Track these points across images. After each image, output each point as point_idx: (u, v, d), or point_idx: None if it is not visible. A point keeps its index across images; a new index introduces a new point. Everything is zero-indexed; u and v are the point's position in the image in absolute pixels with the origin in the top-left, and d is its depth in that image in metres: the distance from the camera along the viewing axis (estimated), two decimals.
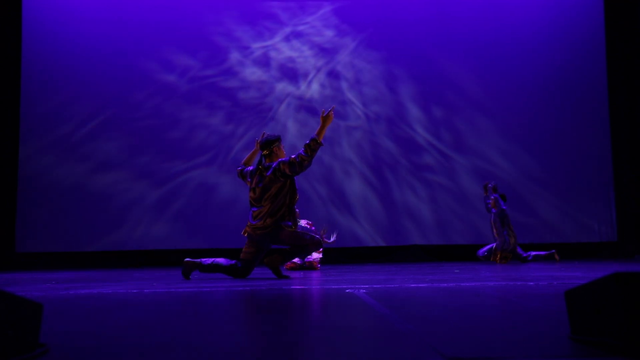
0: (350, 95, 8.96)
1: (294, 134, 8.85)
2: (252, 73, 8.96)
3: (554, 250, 7.60)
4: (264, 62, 9.01)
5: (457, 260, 8.39)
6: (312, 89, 8.96)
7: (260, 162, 4.70)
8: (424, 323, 2.06)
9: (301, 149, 4.47)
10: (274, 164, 4.57)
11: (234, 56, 8.97)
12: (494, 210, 7.37)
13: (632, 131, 8.96)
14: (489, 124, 8.95)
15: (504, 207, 7.37)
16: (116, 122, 8.74)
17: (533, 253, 7.52)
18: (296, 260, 6.57)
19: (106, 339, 1.82)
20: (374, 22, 9.11)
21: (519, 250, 7.49)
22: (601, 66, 9.07)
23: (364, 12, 9.14)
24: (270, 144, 4.66)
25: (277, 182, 4.54)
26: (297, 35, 9.08)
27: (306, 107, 8.91)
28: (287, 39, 9.06)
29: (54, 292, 3.68)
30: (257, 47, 9.03)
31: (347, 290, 3.33)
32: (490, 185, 7.47)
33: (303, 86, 8.95)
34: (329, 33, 9.09)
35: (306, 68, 9.01)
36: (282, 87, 8.96)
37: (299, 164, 4.44)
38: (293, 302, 2.97)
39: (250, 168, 4.83)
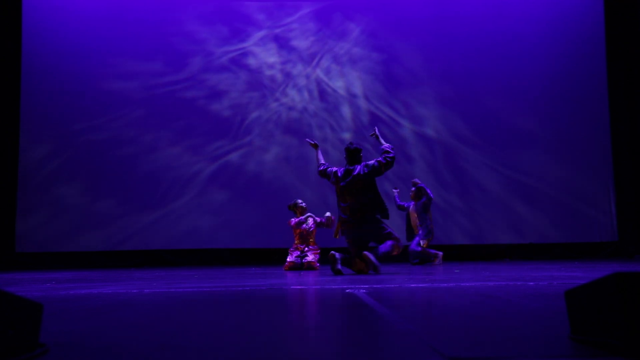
0: (337, 101, 8.95)
1: (278, 140, 8.86)
2: (225, 78, 8.94)
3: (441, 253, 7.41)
4: (241, 65, 8.97)
5: (457, 260, 8.39)
6: (296, 93, 8.93)
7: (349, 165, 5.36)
8: (424, 323, 2.06)
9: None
10: (359, 166, 5.28)
11: (197, 61, 8.90)
12: (411, 203, 7.45)
13: (632, 131, 8.95)
14: (487, 124, 8.94)
15: (432, 196, 7.39)
16: (117, 124, 8.74)
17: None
18: (295, 260, 6.58)
19: (106, 339, 1.82)
20: (362, 22, 9.10)
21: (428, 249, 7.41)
22: (601, 66, 9.06)
23: (350, 13, 9.13)
24: (359, 152, 5.37)
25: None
26: (275, 38, 9.03)
27: (291, 113, 8.91)
28: (263, 41, 9.01)
29: (54, 292, 3.68)
30: (231, 50, 9.01)
31: (347, 290, 3.33)
32: (415, 181, 7.60)
33: (288, 90, 8.94)
34: (311, 37, 9.06)
35: (288, 72, 8.97)
36: (266, 91, 8.96)
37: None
38: (293, 302, 2.97)
39: (337, 169, 5.41)
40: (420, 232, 7.36)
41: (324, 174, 5.51)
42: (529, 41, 9.08)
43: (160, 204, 8.63)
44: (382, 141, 5.34)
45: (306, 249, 6.73)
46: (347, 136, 8.83)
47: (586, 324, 1.50)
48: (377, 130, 5.48)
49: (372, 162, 5.23)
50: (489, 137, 8.92)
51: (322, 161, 5.62)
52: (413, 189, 7.52)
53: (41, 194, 8.56)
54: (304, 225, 6.79)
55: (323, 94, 8.97)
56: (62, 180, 8.62)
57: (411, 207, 7.52)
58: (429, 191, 7.42)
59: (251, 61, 9.00)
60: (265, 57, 9.02)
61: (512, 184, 8.83)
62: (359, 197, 5.17)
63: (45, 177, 8.60)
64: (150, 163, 8.72)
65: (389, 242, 5.13)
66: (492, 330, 1.84)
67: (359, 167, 5.23)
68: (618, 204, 8.85)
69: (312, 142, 5.80)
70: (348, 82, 9.00)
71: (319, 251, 6.86)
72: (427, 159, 8.83)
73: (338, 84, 8.99)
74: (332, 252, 5.15)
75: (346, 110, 8.93)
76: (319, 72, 8.99)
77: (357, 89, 8.99)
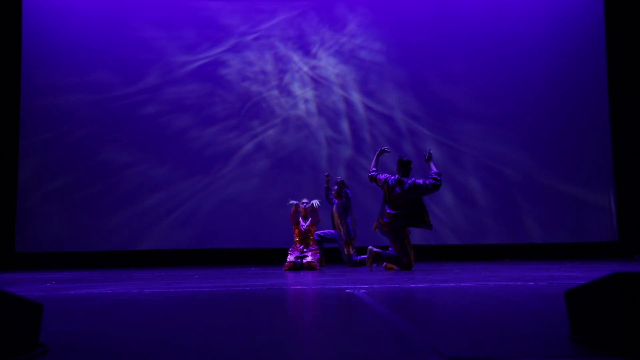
0: (332, 107, 8.95)
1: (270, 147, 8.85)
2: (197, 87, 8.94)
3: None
4: (211, 73, 8.94)
5: (457, 260, 8.39)
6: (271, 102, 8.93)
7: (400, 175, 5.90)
8: (424, 323, 2.06)
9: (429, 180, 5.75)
10: (410, 181, 5.79)
11: (155, 74, 8.91)
12: (336, 200, 7.27)
13: (633, 131, 8.94)
14: (488, 123, 8.94)
15: (351, 195, 7.23)
16: (117, 124, 8.74)
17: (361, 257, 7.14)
18: (295, 260, 6.59)
19: (106, 339, 1.82)
20: (357, 16, 9.09)
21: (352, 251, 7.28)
22: (601, 66, 9.05)
23: (345, 9, 9.13)
24: (410, 164, 5.92)
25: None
26: (248, 45, 9.01)
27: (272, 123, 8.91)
28: (238, 48, 8.98)
29: (54, 292, 3.68)
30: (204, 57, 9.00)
31: (347, 290, 3.34)
32: (338, 179, 7.35)
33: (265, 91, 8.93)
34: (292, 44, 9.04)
35: (265, 80, 8.95)
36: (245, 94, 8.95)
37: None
38: (293, 302, 2.97)
39: (387, 176, 5.98)
40: (341, 233, 7.20)
41: (375, 179, 6.08)
42: (528, 41, 9.07)
43: (160, 204, 8.63)
44: (433, 166, 5.82)
45: (305, 249, 6.74)
46: (348, 152, 8.83)
47: (586, 324, 1.51)
48: (432, 154, 5.94)
49: (420, 181, 5.74)
50: (488, 137, 8.91)
51: (374, 167, 6.18)
52: (335, 187, 7.31)
53: (41, 194, 8.55)
54: (301, 207, 6.84)
55: (316, 96, 8.97)
56: (62, 180, 8.61)
57: (334, 206, 7.29)
58: (348, 191, 7.25)
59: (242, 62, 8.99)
60: (246, 62, 9.00)
61: (512, 184, 8.82)
62: (402, 207, 5.78)
63: (46, 177, 8.59)
64: (151, 164, 8.72)
65: (393, 253, 5.84)
66: (492, 330, 1.84)
67: (409, 182, 5.76)
68: (618, 204, 8.84)
69: (383, 149, 6.24)
70: (343, 84, 8.99)
71: (319, 251, 6.88)
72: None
73: (331, 86, 8.98)
74: (371, 247, 5.81)
75: (343, 117, 8.92)
76: (308, 69, 8.99)
77: (356, 92, 8.98)
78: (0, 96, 8.65)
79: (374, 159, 6.24)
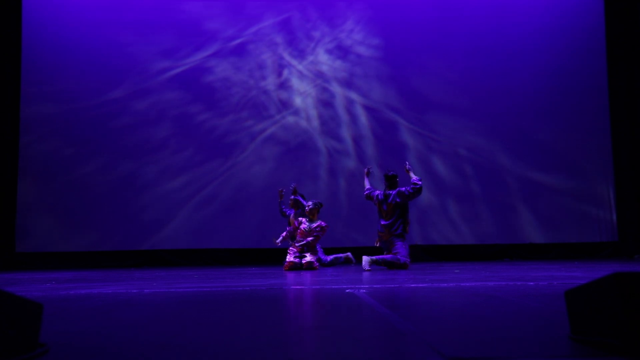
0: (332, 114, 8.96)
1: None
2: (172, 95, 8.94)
3: (348, 253, 7.37)
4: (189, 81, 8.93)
5: (457, 260, 8.39)
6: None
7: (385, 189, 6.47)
8: (424, 323, 2.07)
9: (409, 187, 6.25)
10: (394, 192, 6.33)
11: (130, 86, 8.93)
12: (291, 211, 7.40)
13: (633, 131, 8.94)
14: (489, 124, 8.94)
15: (309, 205, 7.21)
16: (116, 125, 8.74)
17: (331, 257, 7.27)
18: (295, 260, 6.60)
19: (106, 339, 1.82)
20: (356, 13, 9.09)
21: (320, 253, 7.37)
22: (601, 66, 9.06)
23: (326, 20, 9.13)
24: (395, 178, 6.43)
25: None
26: (236, 50, 9.00)
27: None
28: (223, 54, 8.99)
29: (54, 292, 3.68)
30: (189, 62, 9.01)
31: (347, 290, 3.34)
32: (292, 186, 7.51)
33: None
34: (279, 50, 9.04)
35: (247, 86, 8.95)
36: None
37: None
38: (293, 302, 2.97)
39: (379, 192, 6.48)
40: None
41: (369, 197, 6.55)
42: (529, 40, 9.05)
43: (160, 204, 8.63)
44: (412, 175, 6.34)
45: (305, 248, 6.74)
46: (351, 164, 8.83)
47: (586, 324, 1.51)
48: (409, 166, 6.48)
49: (402, 189, 6.29)
50: (487, 136, 8.91)
51: (368, 186, 6.66)
52: (292, 197, 7.45)
53: (41, 194, 8.55)
54: (306, 209, 6.92)
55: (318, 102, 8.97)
56: (62, 180, 8.60)
57: (291, 215, 7.42)
58: (303, 202, 7.31)
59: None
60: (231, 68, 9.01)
61: (512, 184, 8.82)
62: (390, 217, 6.29)
63: (46, 177, 8.59)
64: (151, 166, 8.71)
65: (390, 256, 6.21)
66: (492, 330, 1.84)
67: (393, 193, 6.30)
68: (618, 204, 8.84)
69: (367, 170, 6.81)
70: (343, 81, 9.00)
71: (318, 252, 6.88)
72: (427, 159, 8.83)
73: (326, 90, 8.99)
74: (364, 256, 6.07)
75: (343, 116, 8.92)
76: (303, 67, 8.99)
77: (356, 90, 8.98)
78: (0, 95, 8.65)
79: (364, 180, 6.73)
